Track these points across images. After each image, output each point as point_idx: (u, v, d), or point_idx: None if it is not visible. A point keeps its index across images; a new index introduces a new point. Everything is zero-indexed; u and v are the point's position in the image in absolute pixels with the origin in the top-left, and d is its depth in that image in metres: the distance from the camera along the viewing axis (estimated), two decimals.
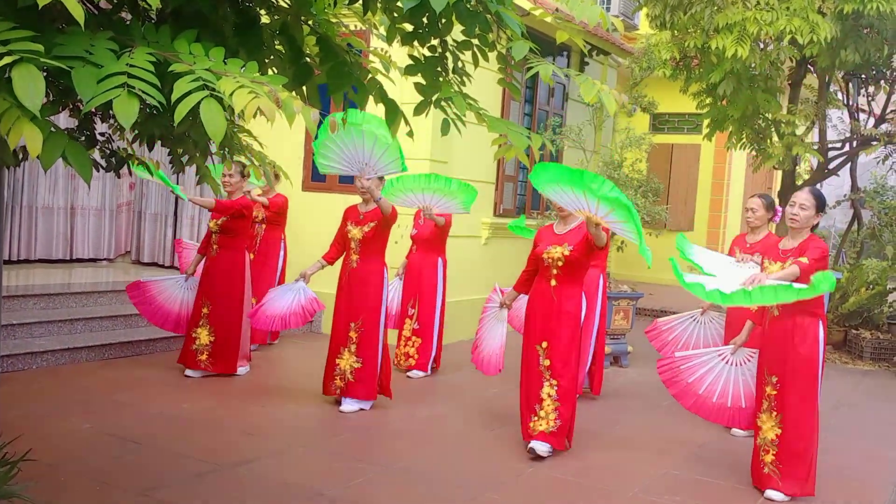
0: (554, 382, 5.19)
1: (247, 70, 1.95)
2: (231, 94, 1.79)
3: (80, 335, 7.14)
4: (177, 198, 9.83)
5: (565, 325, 5.19)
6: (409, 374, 7.28)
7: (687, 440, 5.81)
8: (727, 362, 5.26)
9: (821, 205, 4.75)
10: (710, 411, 5.29)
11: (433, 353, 7.41)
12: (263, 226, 7.86)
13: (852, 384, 8.10)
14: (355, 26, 4.94)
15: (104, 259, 9.70)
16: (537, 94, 10.25)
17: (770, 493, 4.70)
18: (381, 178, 6.11)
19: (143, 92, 1.83)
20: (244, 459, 4.76)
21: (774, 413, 4.70)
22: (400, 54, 3.16)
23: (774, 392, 4.70)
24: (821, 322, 4.69)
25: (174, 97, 1.82)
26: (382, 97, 2.71)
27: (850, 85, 10.28)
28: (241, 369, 6.79)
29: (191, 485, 4.32)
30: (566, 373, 5.20)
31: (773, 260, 4.80)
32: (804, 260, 4.50)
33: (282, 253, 7.99)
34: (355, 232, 6.03)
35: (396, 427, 5.77)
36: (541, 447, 5.13)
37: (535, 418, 5.20)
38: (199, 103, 1.80)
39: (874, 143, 9.52)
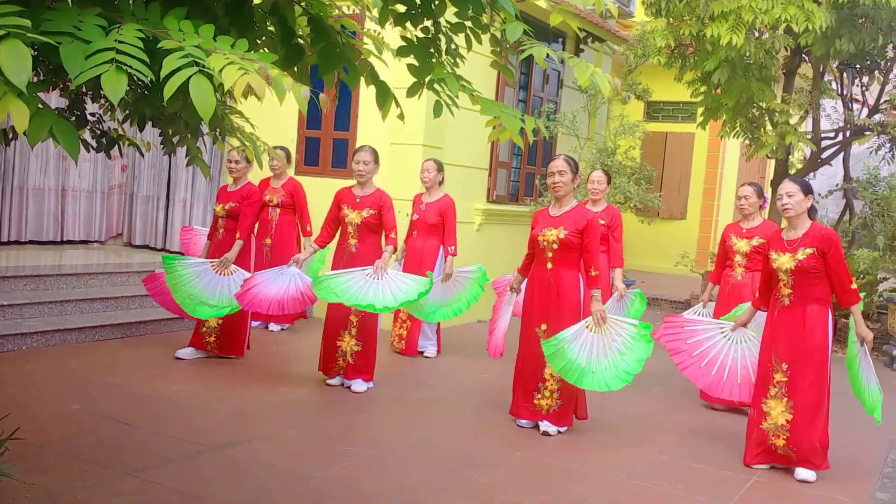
0: None
1: (237, 47, 1.94)
2: (220, 71, 1.78)
3: (70, 316, 7.13)
4: (169, 180, 9.79)
5: (564, 307, 5.24)
6: (424, 353, 7.42)
7: (675, 426, 5.84)
8: (727, 338, 5.40)
9: (805, 188, 4.87)
10: (706, 381, 5.44)
11: (435, 338, 7.51)
12: (278, 210, 7.84)
13: (842, 372, 8.10)
14: (349, 9, 4.91)
15: (95, 241, 9.67)
16: (532, 80, 10.22)
17: (800, 472, 4.84)
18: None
19: (132, 68, 1.81)
20: (234, 441, 4.77)
21: (785, 399, 4.83)
22: (394, 37, 3.14)
23: (785, 379, 4.83)
24: (830, 309, 4.82)
25: (163, 74, 1.81)
26: (374, 79, 2.70)
27: (845, 75, 10.30)
28: None
29: (180, 466, 4.32)
30: None
31: (780, 251, 4.87)
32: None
33: (299, 237, 7.97)
34: (353, 216, 6.01)
35: (386, 410, 5.79)
36: (550, 427, 5.34)
37: (539, 396, 5.35)
38: (188, 80, 1.79)
39: (867, 132, 9.54)
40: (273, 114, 9.01)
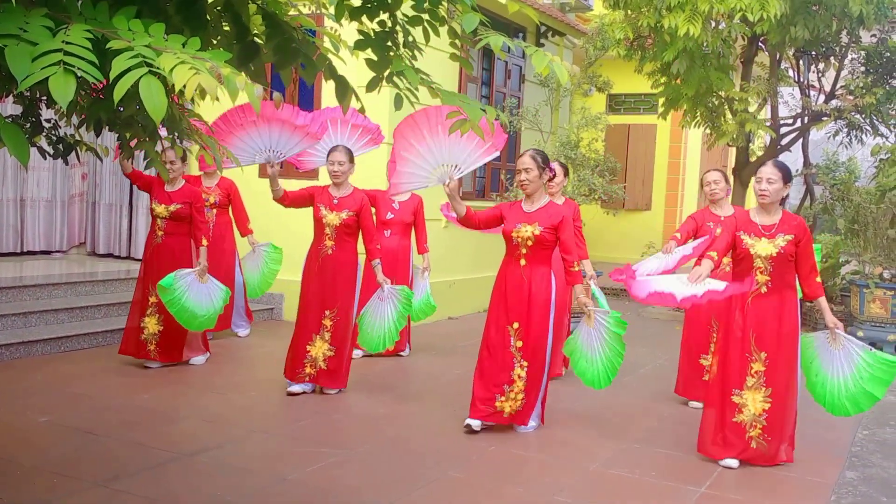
0: (525, 364, 5.18)
1: (188, 46, 1.91)
2: (171, 71, 1.75)
3: (34, 328, 7.00)
4: (131, 186, 9.64)
5: (537, 306, 5.16)
6: (399, 353, 7.43)
7: (648, 415, 5.89)
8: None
9: (786, 176, 4.76)
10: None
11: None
12: (214, 210, 7.72)
13: None
14: (307, 7, 4.87)
15: (57, 251, 9.51)
16: (494, 76, 10.24)
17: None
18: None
19: (81, 70, 1.78)
20: (204, 447, 4.72)
21: (763, 389, 4.75)
22: (352, 34, 3.13)
23: (763, 368, 4.74)
24: (797, 298, 4.84)
25: (112, 74, 1.77)
26: (332, 74, 2.68)
27: (801, 62, 10.45)
28: (196, 359, 6.68)
29: (151, 474, 4.27)
30: (538, 355, 5.20)
31: (756, 236, 4.74)
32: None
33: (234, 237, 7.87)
34: (331, 217, 5.89)
35: (358, 410, 5.76)
36: (523, 429, 5.29)
37: (502, 399, 5.19)
38: (138, 81, 1.75)
39: (824, 118, 9.68)
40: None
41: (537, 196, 5.25)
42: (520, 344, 5.19)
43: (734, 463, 4.81)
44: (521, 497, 4.23)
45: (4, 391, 5.63)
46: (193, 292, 6.15)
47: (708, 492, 4.43)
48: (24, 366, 6.35)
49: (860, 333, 8.78)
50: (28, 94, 3.81)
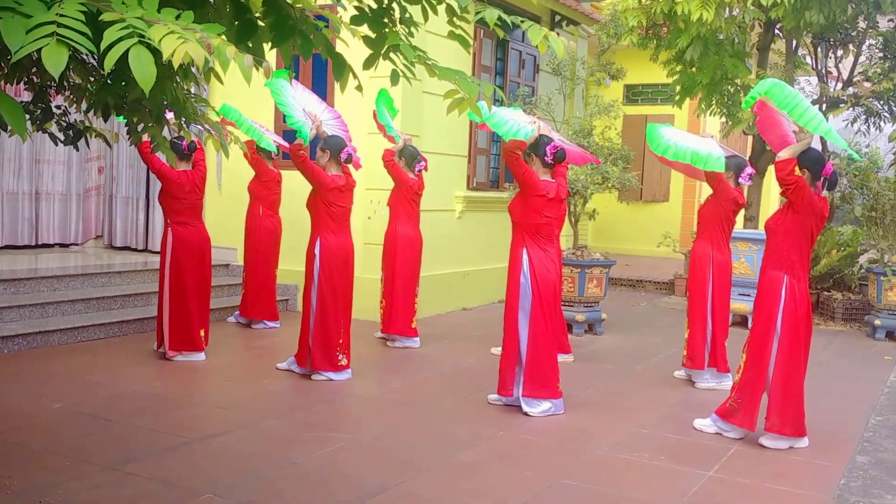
0: None
1: (182, 19, 1.93)
2: (160, 41, 1.78)
3: (51, 319, 7.08)
4: (148, 180, 9.69)
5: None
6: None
7: (657, 401, 5.87)
8: None
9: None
10: None
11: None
12: None
13: (823, 344, 8.20)
14: None
15: (72, 244, 9.60)
16: (508, 65, 10.22)
17: (763, 440, 4.92)
18: None
19: (74, 41, 1.80)
20: (215, 433, 4.76)
21: (745, 355, 5.01)
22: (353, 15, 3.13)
23: (748, 335, 5.06)
24: (786, 277, 4.82)
25: (103, 45, 1.80)
26: (329, 51, 2.70)
27: (819, 49, 10.35)
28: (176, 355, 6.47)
29: (161, 458, 4.32)
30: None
31: None
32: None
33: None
34: None
35: (369, 397, 5.79)
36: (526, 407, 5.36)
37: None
38: (127, 51, 1.78)
39: (842, 104, 9.58)
40: (250, 106, 8.95)
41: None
42: None
43: (768, 442, 4.91)
44: (527, 480, 4.23)
45: (21, 379, 5.71)
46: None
47: (717, 475, 4.41)
48: (40, 355, 6.43)
49: (878, 322, 8.70)
50: (38, 80, 3.87)
